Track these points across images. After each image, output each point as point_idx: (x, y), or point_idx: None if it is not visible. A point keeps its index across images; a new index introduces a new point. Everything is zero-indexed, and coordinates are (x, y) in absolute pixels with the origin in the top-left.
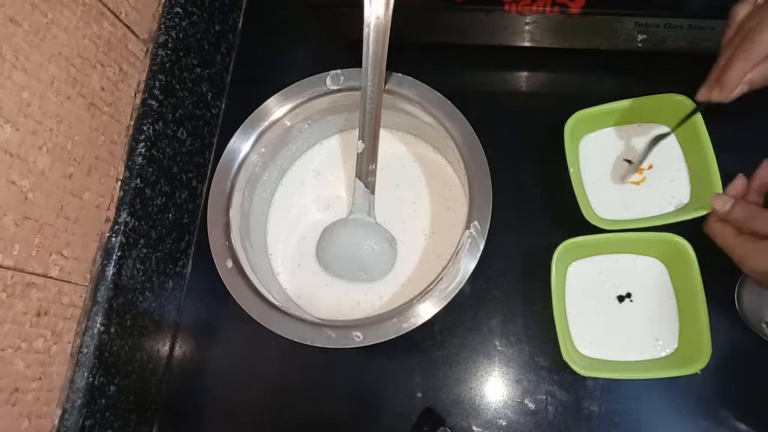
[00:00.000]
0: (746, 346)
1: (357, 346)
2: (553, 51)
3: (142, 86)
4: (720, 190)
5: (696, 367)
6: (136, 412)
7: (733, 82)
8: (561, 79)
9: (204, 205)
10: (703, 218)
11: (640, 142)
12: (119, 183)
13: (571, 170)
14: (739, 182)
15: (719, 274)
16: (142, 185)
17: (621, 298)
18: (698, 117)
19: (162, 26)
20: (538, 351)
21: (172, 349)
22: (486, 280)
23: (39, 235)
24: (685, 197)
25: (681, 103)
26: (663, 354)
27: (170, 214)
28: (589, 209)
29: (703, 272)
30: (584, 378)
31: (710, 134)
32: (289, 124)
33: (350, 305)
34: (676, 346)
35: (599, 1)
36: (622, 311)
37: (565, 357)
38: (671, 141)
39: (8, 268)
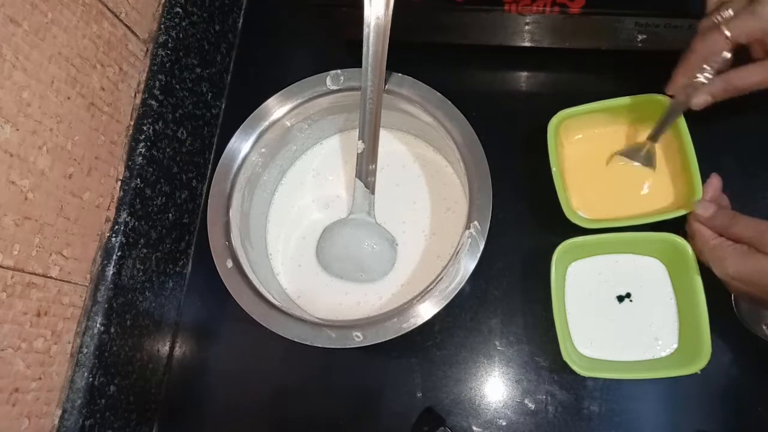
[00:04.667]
0: (746, 347)
1: (357, 346)
2: (553, 51)
3: (142, 86)
4: (699, 189)
5: (696, 367)
6: (136, 412)
7: (678, 89)
8: (561, 79)
9: (204, 205)
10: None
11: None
12: (119, 183)
13: (553, 169)
14: (715, 181)
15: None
16: (142, 185)
17: (621, 298)
18: (681, 121)
19: (162, 26)
20: (538, 351)
21: (172, 349)
22: (486, 280)
23: (39, 235)
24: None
25: (663, 103)
26: (663, 354)
27: (170, 214)
28: (570, 209)
29: (703, 272)
30: (584, 378)
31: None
32: (289, 124)
33: (350, 305)
34: (676, 346)
35: (599, 1)
36: (622, 311)
37: (565, 357)
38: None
39: (8, 268)
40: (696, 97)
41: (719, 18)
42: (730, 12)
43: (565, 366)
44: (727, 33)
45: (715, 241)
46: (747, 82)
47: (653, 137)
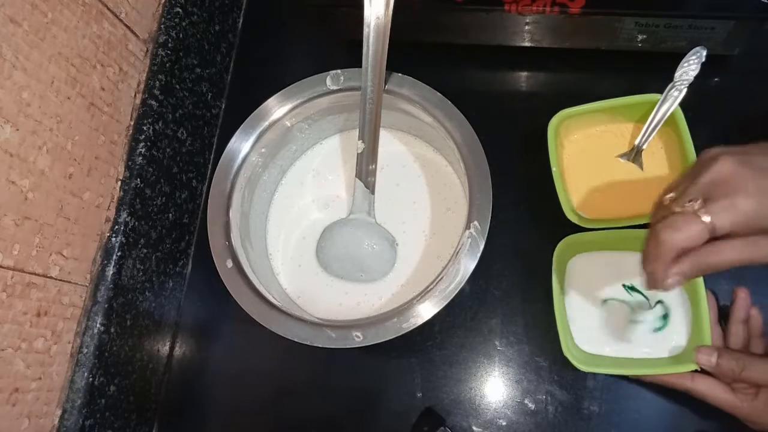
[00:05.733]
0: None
1: (357, 346)
2: (553, 51)
3: (142, 86)
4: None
5: (695, 364)
6: (136, 412)
7: (659, 282)
8: (561, 79)
9: (204, 205)
10: None
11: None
12: (119, 183)
13: (553, 169)
14: (715, 337)
15: (719, 272)
16: (142, 185)
17: (621, 295)
18: (681, 120)
19: (162, 26)
20: (538, 351)
21: (172, 349)
22: (486, 280)
23: (39, 235)
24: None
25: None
26: (663, 351)
27: (170, 214)
28: (569, 208)
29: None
30: (584, 378)
31: None
32: (289, 124)
33: (350, 305)
34: (676, 343)
35: (599, 1)
36: (622, 308)
37: (565, 352)
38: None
39: (8, 268)
40: (668, 283)
41: (691, 207)
42: (695, 205)
43: (565, 363)
44: (707, 220)
45: (737, 396)
46: (724, 260)
47: (639, 146)
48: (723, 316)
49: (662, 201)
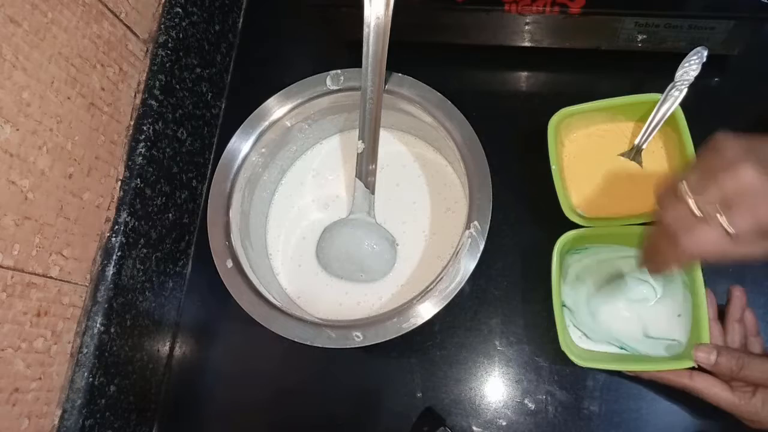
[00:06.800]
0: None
1: (357, 346)
2: (553, 51)
3: (142, 86)
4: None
5: (693, 361)
6: (136, 412)
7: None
8: (561, 79)
9: (204, 205)
10: None
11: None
12: (119, 183)
13: (553, 167)
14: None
15: (719, 271)
16: (142, 185)
17: (620, 292)
18: (681, 118)
19: (162, 26)
20: (538, 351)
21: (172, 349)
22: (486, 280)
23: (39, 235)
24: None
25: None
26: (662, 348)
27: (170, 214)
28: (569, 207)
29: (703, 267)
30: (584, 378)
31: None
32: (289, 124)
33: (350, 305)
34: (675, 340)
35: (599, 1)
36: (621, 305)
37: (564, 347)
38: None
39: (8, 268)
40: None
41: (711, 211)
42: (715, 210)
43: (564, 361)
44: (731, 231)
45: (735, 395)
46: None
47: (639, 145)
48: (722, 315)
49: (674, 187)
